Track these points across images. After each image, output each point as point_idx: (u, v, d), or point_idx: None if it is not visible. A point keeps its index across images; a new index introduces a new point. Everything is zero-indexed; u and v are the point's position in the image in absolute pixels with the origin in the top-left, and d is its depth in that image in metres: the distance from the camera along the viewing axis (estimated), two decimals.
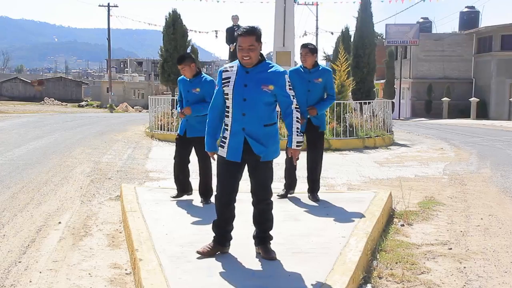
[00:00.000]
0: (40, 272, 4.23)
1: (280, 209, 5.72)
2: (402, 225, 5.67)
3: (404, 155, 12.10)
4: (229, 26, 16.30)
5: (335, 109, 13.33)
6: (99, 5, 48.12)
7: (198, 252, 4.07)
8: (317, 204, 5.98)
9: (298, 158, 4.20)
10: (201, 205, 5.94)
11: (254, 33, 3.87)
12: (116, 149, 12.16)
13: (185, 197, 6.22)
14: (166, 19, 20.08)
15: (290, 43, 13.99)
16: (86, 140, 13.79)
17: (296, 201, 6.13)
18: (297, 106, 4.03)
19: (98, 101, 56.63)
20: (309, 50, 6.11)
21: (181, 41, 19.85)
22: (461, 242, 5.16)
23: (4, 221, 5.74)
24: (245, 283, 3.58)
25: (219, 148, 4.05)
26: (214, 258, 4.02)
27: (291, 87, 3.99)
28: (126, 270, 4.28)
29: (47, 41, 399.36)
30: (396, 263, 4.43)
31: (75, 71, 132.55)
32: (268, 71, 3.96)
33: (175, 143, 6.31)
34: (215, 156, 4.13)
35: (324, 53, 36.82)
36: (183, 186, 6.26)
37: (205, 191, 6.06)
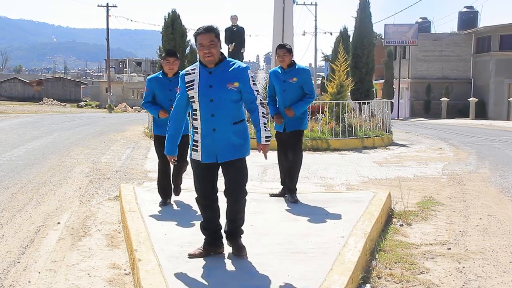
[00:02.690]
0: (39, 273, 4.22)
1: (279, 209, 5.73)
2: (401, 225, 5.67)
3: (403, 155, 12.10)
4: (228, 26, 16.31)
5: (334, 109, 13.34)
6: (98, 5, 48.07)
7: (189, 255, 4.05)
8: (315, 204, 5.97)
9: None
10: None
11: (213, 30, 3.90)
12: (115, 149, 12.16)
13: (184, 198, 6.21)
14: (165, 19, 20.11)
15: (289, 43, 13.98)
16: (85, 140, 13.79)
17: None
18: (262, 101, 4.08)
19: (97, 101, 56.59)
20: (287, 50, 6.12)
21: (180, 41, 19.87)
22: (460, 242, 5.16)
23: (3, 221, 5.74)
24: (244, 283, 3.58)
25: (193, 152, 4.02)
26: (213, 259, 4.03)
27: (255, 83, 4.04)
28: (125, 270, 4.28)
29: (46, 41, 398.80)
30: (395, 263, 4.43)
31: (74, 71, 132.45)
32: (231, 69, 3.96)
33: (156, 143, 6.08)
34: (173, 160, 4.18)
35: (323, 53, 36.85)
36: (169, 191, 6.18)
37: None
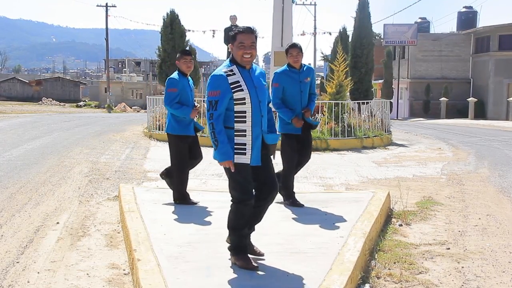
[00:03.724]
0: (38, 273, 4.22)
1: (278, 209, 5.73)
2: (400, 225, 5.67)
3: (402, 155, 12.11)
4: (228, 26, 16.32)
5: (333, 109, 13.34)
6: (97, 5, 48.07)
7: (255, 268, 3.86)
8: (315, 204, 5.96)
9: None
10: (199, 205, 5.92)
11: (255, 32, 3.83)
12: (114, 149, 12.15)
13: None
14: (164, 19, 20.11)
15: (289, 43, 13.96)
16: (84, 140, 13.78)
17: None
18: None
19: (96, 101, 56.56)
20: (300, 50, 5.95)
21: (179, 41, 19.86)
22: (459, 242, 5.17)
23: (2, 221, 5.73)
24: (244, 283, 3.58)
25: (236, 156, 3.76)
26: (212, 258, 4.02)
27: None
28: (124, 270, 4.27)
29: (45, 41, 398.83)
30: (394, 263, 4.43)
31: (73, 71, 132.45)
32: (258, 71, 3.96)
33: (180, 145, 5.94)
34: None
35: (322, 53, 36.93)
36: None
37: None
